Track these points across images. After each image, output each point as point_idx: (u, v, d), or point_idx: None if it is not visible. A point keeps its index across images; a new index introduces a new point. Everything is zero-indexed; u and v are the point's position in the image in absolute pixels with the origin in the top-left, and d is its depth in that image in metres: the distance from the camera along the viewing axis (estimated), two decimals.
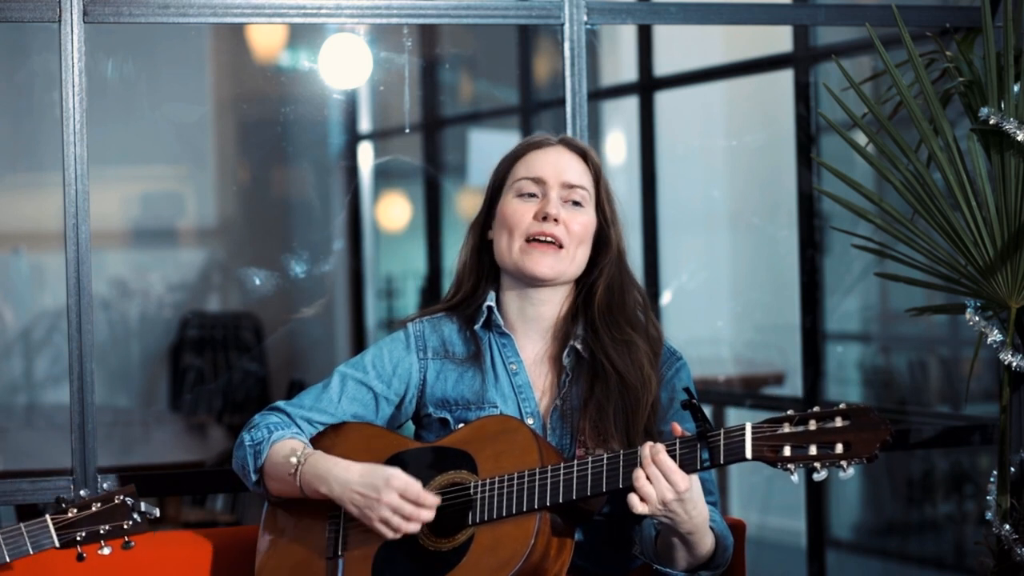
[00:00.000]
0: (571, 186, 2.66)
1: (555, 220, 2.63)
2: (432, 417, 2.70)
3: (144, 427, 6.04)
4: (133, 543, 2.59)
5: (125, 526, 2.57)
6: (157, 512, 2.60)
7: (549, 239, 2.63)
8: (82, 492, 2.61)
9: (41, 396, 6.80)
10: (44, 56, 4.56)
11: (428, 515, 2.46)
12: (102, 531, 2.56)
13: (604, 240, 2.69)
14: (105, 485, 2.61)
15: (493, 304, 2.70)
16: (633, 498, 2.38)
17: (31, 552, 2.52)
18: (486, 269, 2.74)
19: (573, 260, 2.66)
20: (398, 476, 2.47)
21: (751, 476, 6.41)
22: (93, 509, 2.56)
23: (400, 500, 2.46)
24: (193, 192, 7.71)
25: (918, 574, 5.96)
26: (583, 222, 2.66)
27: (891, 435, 2.27)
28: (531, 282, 2.67)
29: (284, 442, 2.62)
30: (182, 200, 7.67)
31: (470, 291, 2.75)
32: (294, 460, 2.57)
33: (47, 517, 2.54)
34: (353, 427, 2.69)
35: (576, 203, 2.66)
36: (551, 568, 2.45)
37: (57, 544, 2.54)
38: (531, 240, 2.64)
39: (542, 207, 2.64)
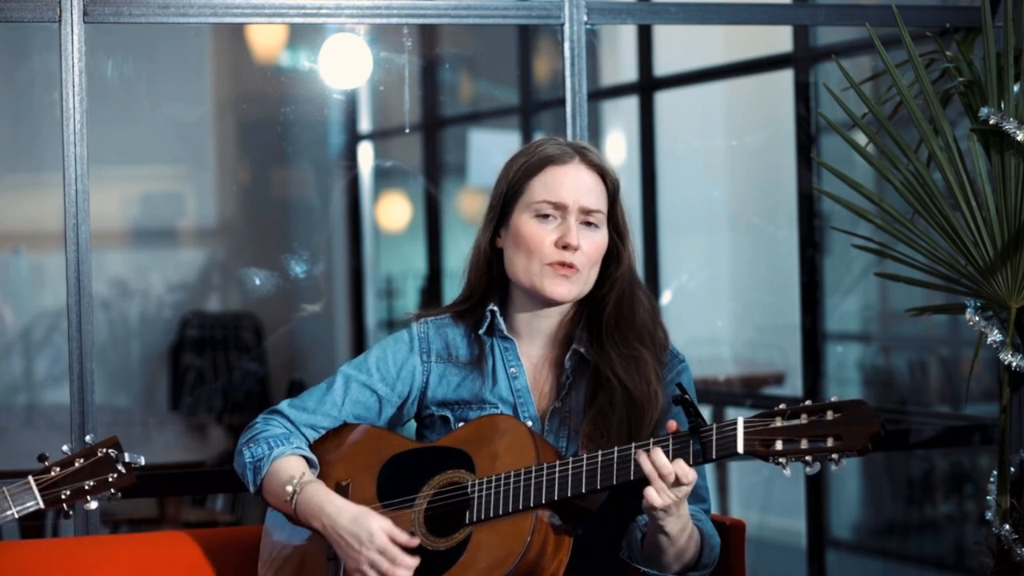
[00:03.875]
0: (589, 211, 2.65)
1: (575, 249, 2.62)
2: (434, 416, 2.71)
3: (144, 427, 6.03)
4: (120, 495, 2.53)
5: (110, 479, 2.52)
6: (142, 460, 2.53)
7: (571, 266, 2.63)
8: (64, 447, 2.54)
9: (41, 396, 6.80)
10: (44, 56, 4.56)
11: (404, 573, 2.49)
12: (87, 487, 2.51)
13: (615, 256, 2.68)
14: (88, 438, 2.57)
15: (496, 309, 2.69)
16: (650, 491, 2.39)
17: (15, 515, 2.46)
18: (495, 276, 2.72)
19: (587, 281, 2.65)
20: (380, 534, 2.50)
21: (751, 476, 6.41)
22: (76, 465, 2.51)
23: (379, 556, 2.49)
24: (193, 192, 7.71)
25: (918, 574, 5.96)
26: (597, 243, 2.65)
27: (883, 428, 2.27)
28: (547, 303, 2.66)
29: (284, 460, 2.62)
30: (182, 200, 7.67)
31: (479, 298, 2.74)
32: (290, 488, 2.58)
33: (30, 478, 2.48)
34: (354, 429, 2.69)
35: (591, 223, 2.64)
36: (548, 566, 2.46)
37: (42, 504, 2.48)
38: (551, 264, 2.64)
39: (563, 235, 2.62)
